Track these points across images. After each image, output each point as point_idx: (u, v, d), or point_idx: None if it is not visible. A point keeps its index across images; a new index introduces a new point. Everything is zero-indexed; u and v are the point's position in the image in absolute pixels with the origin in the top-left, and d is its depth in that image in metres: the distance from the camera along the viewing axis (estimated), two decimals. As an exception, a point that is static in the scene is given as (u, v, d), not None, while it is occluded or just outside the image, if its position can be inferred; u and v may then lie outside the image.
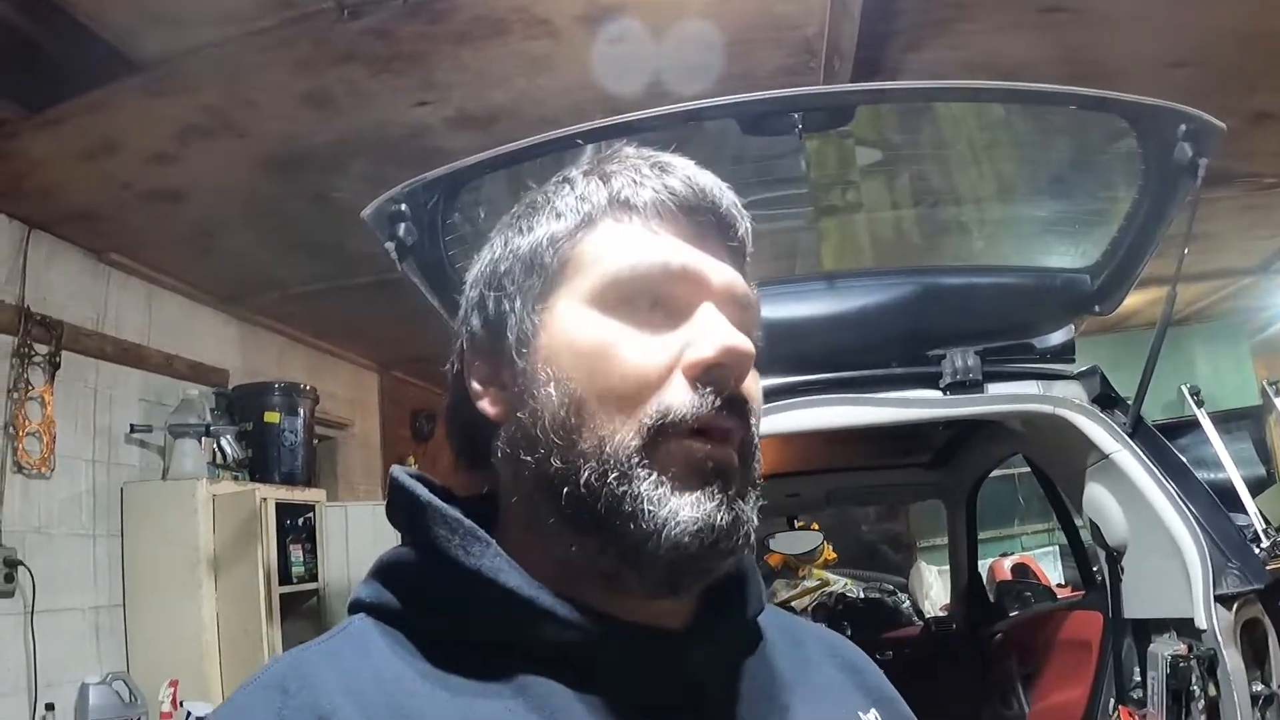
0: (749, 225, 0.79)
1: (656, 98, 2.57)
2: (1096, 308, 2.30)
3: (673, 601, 0.71)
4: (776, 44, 2.80)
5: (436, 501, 0.72)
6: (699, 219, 0.75)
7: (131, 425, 4.04)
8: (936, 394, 2.26)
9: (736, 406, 0.70)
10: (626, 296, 0.71)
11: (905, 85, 2.47)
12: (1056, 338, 2.41)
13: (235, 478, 4.32)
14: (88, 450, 3.82)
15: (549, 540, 0.70)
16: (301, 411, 4.70)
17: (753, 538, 0.71)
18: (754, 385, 0.73)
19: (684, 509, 0.66)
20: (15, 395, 3.45)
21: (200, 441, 4.18)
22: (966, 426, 3.20)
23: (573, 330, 0.71)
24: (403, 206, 1.92)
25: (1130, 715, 2.12)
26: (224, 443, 4.32)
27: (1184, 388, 3.01)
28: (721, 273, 0.74)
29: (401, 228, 1.92)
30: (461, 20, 2.57)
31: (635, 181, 0.75)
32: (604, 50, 2.72)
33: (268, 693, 0.64)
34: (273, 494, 4.23)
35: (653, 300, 0.71)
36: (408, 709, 0.63)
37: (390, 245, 1.93)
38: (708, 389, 0.68)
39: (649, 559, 0.66)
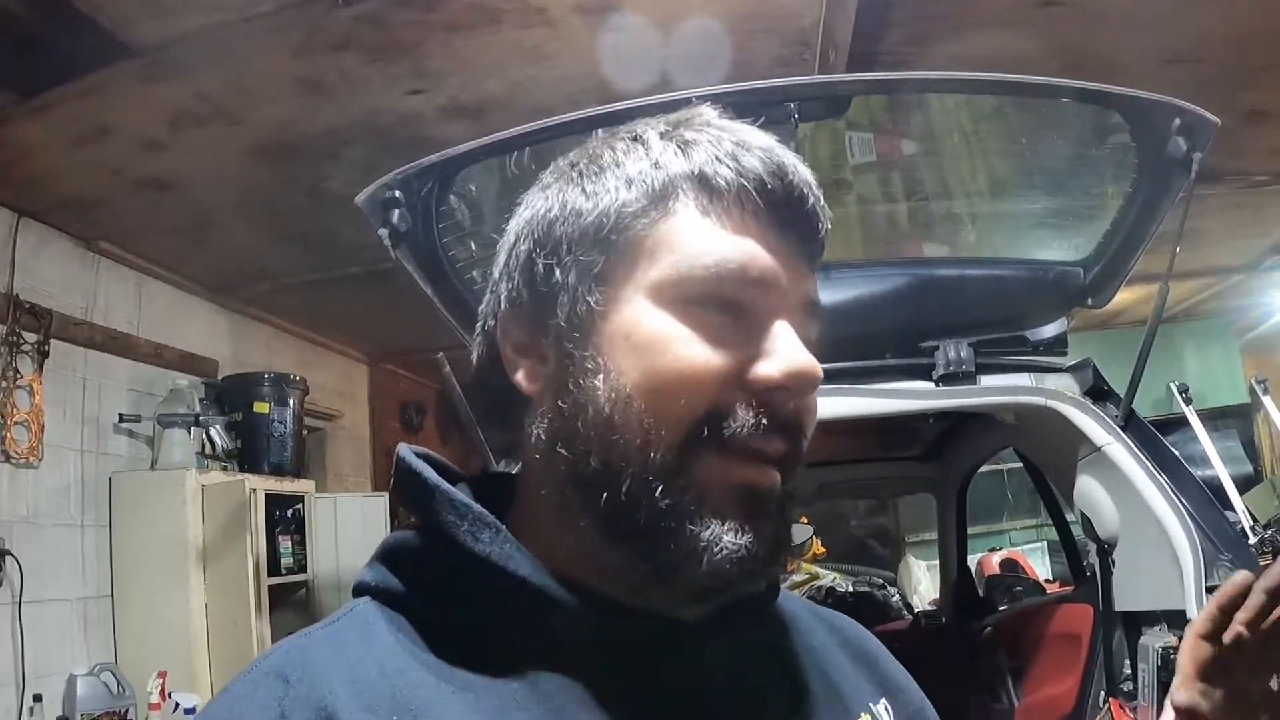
0: (829, 224, 0.71)
1: (652, 87, 2.57)
2: (1089, 301, 2.31)
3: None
4: (772, 35, 2.80)
5: (444, 485, 0.69)
6: (784, 215, 0.68)
7: (120, 415, 4.02)
8: (929, 385, 2.27)
9: (790, 430, 0.66)
10: (697, 296, 0.65)
11: (900, 76, 2.47)
12: (1049, 330, 2.42)
13: (224, 468, 4.31)
14: (76, 440, 3.81)
15: (578, 537, 0.67)
16: (291, 402, 4.68)
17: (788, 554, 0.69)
18: (812, 398, 0.70)
19: (727, 536, 0.63)
20: (4, 384, 3.43)
21: (189, 432, 4.17)
22: (958, 419, 3.21)
23: (632, 322, 0.66)
24: (396, 193, 1.91)
25: (1121, 707, 2.13)
26: (213, 433, 4.30)
27: (1173, 385, 3.01)
28: (800, 281, 0.68)
29: (395, 214, 1.91)
30: (455, 8, 2.56)
31: (718, 159, 0.67)
32: (599, 40, 2.71)
33: (268, 681, 0.61)
34: (262, 485, 4.22)
35: (724, 304, 0.65)
36: (411, 701, 0.61)
37: (384, 232, 1.92)
38: (765, 409, 0.64)
39: (685, 580, 0.64)
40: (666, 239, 0.67)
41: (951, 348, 2.25)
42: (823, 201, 0.70)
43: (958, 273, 2.47)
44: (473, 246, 2.10)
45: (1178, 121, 1.82)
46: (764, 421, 0.64)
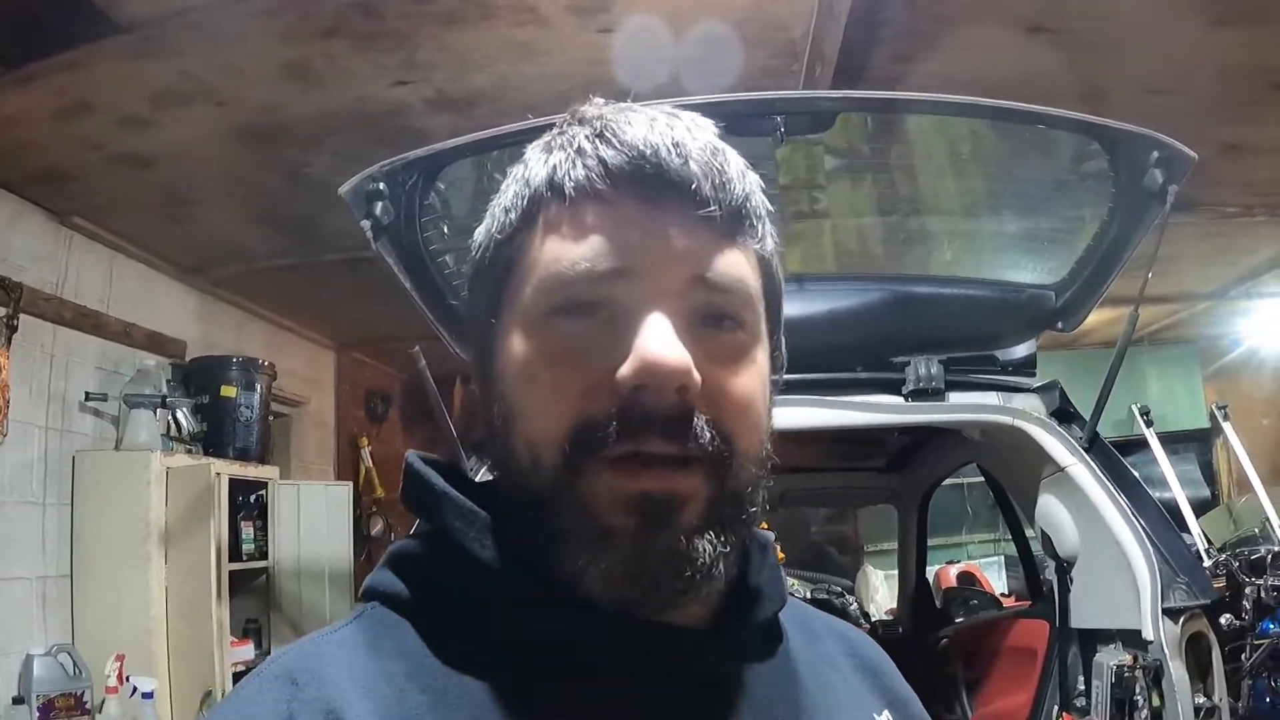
0: (731, 180, 0.66)
1: (640, 90, 2.57)
2: (1060, 324, 2.35)
3: (691, 602, 0.66)
4: (761, 44, 2.82)
5: (452, 491, 0.69)
6: (642, 192, 0.64)
7: (87, 393, 3.97)
8: (898, 400, 2.31)
9: (670, 426, 0.62)
10: (555, 308, 0.64)
11: (887, 95, 2.49)
12: (1018, 351, 2.45)
13: (189, 451, 4.27)
14: (41, 417, 3.76)
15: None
16: (258, 387, 4.65)
17: (720, 565, 0.64)
18: (738, 385, 0.66)
19: (607, 550, 0.62)
20: (-30, 357, 3.39)
21: (155, 413, 4.12)
22: (923, 433, 3.24)
23: (508, 349, 0.67)
24: (381, 185, 1.91)
25: (1073, 722, 2.17)
26: (179, 415, 4.27)
27: (1134, 407, 3.06)
28: (673, 259, 0.64)
29: (378, 206, 1.91)
30: (449, 1, 2.57)
31: (570, 159, 0.65)
32: (589, 41, 2.72)
33: (277, 684, 0.61)
34: (226, 469, 4.19)
35: (583, 309, 0.64)
36: (417, 705, 0.61)
37: (366, 223, 1.92)
38: (633, 411, 0.61)
39: (591, 595, 0.63)
40: (531, 257, 0.67)
41: (922, 364, 2.29)
42: (706, 162, 0.65)
43: (931, 290, 2.51)
44: (454, 242, 2.11)
45: (1156, 154, 1.86)
46: (633, 425, 0.61)
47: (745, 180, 0.68)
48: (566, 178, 0.65)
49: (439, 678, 0.63)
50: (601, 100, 0.70)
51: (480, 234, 0.72)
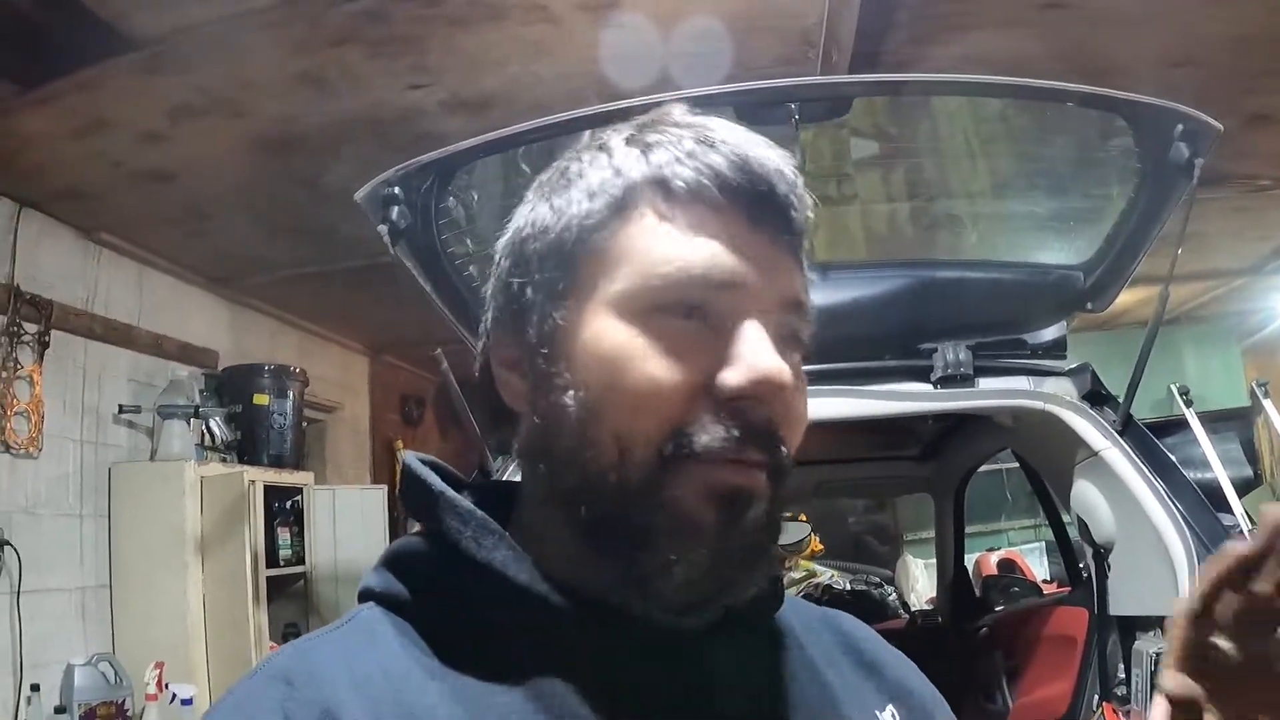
0: (809, 210, 0.69)
1: (653, 86, 2.56)
2: (1089, 305, 2.31)
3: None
4: (775, 34, 2.80)
5: (449, 491, 0.69)
6: (753, 210, 0.66)
7: (120, 405, 4.02)
8: (927, 387, 2.27)
9: (763, 437, 0.64)
10: (659, 305, 0.64)
11: (903, 78, 2.46)
12: (1048, 334, 2.41)
13: (223, 459, 4.31)
14: (76, 430, 3.81)
15: (571, 546, 0.67)
16: (291, 394, 4.69)
17: (775, 561, 0.68)
18: (801, 402, 0.68)
19: (699, 544, 0.62)
20: (4, 374, 3.43)
21: (189, 423, 4.17)
22: (956, 420, 3.20)
23: (596, 337, 0.65)
24: (396, 189, 1.91)
25: (1114, 711, 2.13)
26: (213, 424, 4.31)
27: (1173, 387, 2.99)
28: (771, 278, 0.66)
29: (395, 211, 1.91)
30: (458, 3, 2.56)
31: (678, 159, 0.66)
32: (601, 37, 2.71)
33: (272, 684, 0.61)
34: (261, 476, 4.22)
35: (688, 310, 0.64)
36: (415, 706, 0.61)
37: (383, 228, 1.92)
38: (734, 419, 0.63)
39: (661, 592, 0.63)
40: (627, 249, 0.66)
41: (950, 350, 2.25)
42: (799, 190, 0.68)
43: (957, 275, 2.46)
44: (471, 244, 2.10)
45: (1180, 127, 1.82)
46: (735, 432, 0.63)
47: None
48: (676, 176, 0.65)
49: (435, 677, 0.63)
50: (683, 107, 0.72)
51: (547, 215, 0.70)
